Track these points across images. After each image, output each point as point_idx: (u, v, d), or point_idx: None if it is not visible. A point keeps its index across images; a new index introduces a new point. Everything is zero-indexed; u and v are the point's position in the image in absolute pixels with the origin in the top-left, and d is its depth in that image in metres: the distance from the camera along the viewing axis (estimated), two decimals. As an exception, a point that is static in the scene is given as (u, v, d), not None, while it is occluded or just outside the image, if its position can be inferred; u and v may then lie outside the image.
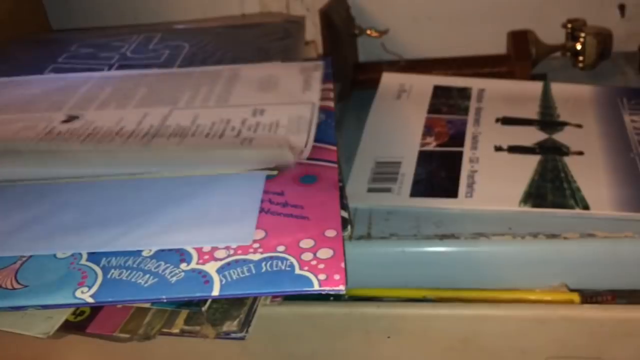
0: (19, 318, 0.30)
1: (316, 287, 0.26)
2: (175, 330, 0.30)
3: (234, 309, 0.30)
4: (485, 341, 0.40)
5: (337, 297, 0.42)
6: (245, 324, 0.30)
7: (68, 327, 0.30)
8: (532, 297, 0.40)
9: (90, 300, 0.27)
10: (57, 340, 0.32)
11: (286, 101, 0.42)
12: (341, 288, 0.26)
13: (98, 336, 0.30)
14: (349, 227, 0.32)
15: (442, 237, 0.41)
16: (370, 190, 0.45)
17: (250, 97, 0.43)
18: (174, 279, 0.28)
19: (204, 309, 0.30)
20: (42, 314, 0.29)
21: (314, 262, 0.28)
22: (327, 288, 0.26)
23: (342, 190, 0.33)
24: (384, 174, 0.46)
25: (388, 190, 0.44)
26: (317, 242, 0.29)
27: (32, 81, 0.48)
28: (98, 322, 0.30)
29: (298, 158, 0.35)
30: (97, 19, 0.66)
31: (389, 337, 0.40)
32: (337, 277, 0.27)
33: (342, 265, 0.27)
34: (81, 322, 0.30)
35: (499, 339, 0.39)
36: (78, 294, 0.27)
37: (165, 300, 0.27)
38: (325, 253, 0.28)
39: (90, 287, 0.27)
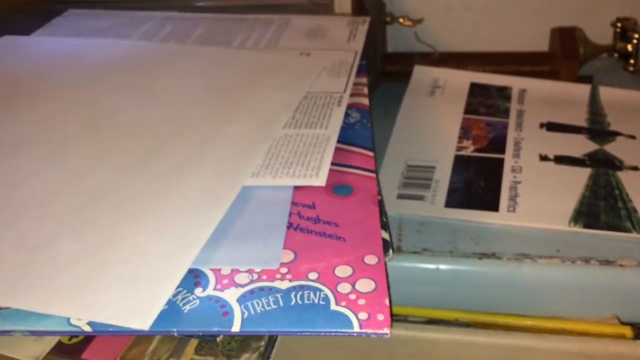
0: (5, 338, 0.26)
1: (356, 328, 0.22)
2: (185, 362, 0.26)
3: (252, 339, 0.26)
4: (523, 374, 0.36)
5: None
6: (265, 356, 0.26)
7: (61, 351, 0.26)
8: (579, 328, 0.36)
9: (88, 328, 0.23)
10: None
11: (331, 47, 0.43)
12: (386, 331, 0.22)
13: (95, 362, 0.26)
14: (390, 251, 0.28)
15: (482, 256, 0.37)
16: (400, 196, 0.41)
17: (298, 42, 0.45)
18: (187, 307, 0.23)
19: (218, 338, 0.26)
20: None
21: (352, 297, 0.23)
22: (369, 331, 0.22)
23: (381, 205, 0.29)
24: (416, 179, 0.42)
25: (420, 197, 0.40)
26: (355, 271, 0.25)
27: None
28: (95, 347, 0.26)
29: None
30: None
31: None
32: (380, 317, 0.23)
33: (387, 302, 0.23)
34: (75, 345, 0.26)
35: (539, 374, 0.36)
36: (74, 320, 0.23)
37: (175, 334, 0.23)
38: (365, 285, 0.24)
39: (88, 313, 0.23)
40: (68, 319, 0.23)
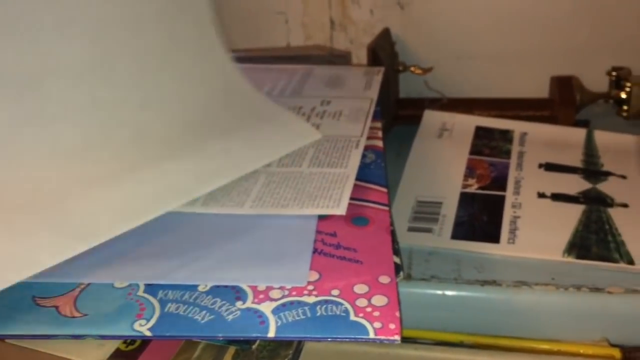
0: (71, 343, 0.30)
1: (372, 335, 0.27)
2: (224, 367, 0.31)
3: (282, 348, 0.30)
4: (522, 391, 0.39)
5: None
6: (293, 363, 0.30)
7: (119, 356, 0.30)
8: (572, 349, 0.40)
9: (148, 333, 0.28)
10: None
11: (349, 95, 0.48)
12: (396, 338, 0.26)
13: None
14: (401, 273, 0.32)
15: (484, 283, 0.40)
16: (410, 229, 0.45)
17: (320, 90, 0.49)
18: (230, 317, 0.28)
19: (254, 347, 0.30)
20: (94, 341, 0.30)
21: (368, 309, 0.28)
22: (383, 337, 0.26)
23: (393, 234, 0.33)
24: (425, 214, 0.46)
25: (429, 230, 0.44)
26: (371, 288, 0.29)
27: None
28: (149, 353, 0.30)
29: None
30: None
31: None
32: (392, 326, 0.27)
33: (397, 314, 0.28)
34: (132, 351, 0.30)
35: (536, 391, 0.39)
36: (136, 326, 0.28)
37: (221, 339, 0.27)
38: (380, 300, 0.28)
39: (148, 320, 0.28)
40: (132, 324, 0.28)
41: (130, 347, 0.31)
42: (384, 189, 0.37)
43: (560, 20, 0.60)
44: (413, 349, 0.40)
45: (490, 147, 0.53)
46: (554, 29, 0.60)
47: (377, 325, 0.27)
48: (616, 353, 0.39)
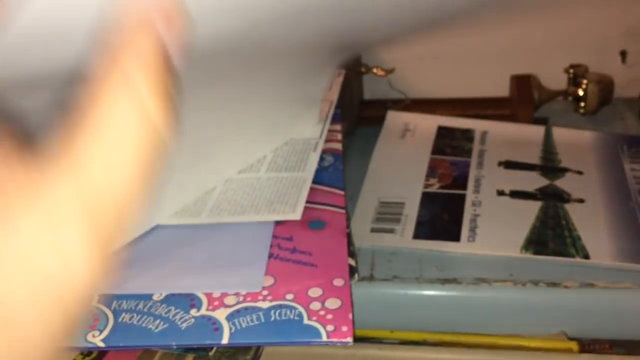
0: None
1: (324, 338, 0.27)
2: (182, 374, 0.31)
3: (240, 354, 0.31)
4: (484, 387, 0.40)
5: (339, 337, 0.42)
6: (251, 368, 0.31)
7: (76, 367, 0.30)
8: (532, 344, 0.41)
9: (102, 344, 0.28)
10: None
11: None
12: (349, 340, 0.27)
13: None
14: (355, 275, 0.33)
15: (444, 282, 0.41)
16: (373, 230, 0.45)
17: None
18: (184, 324, 0.28)
19: (210, 353, 0.30)
20: (50, 353, 0.30)
21: (322, 312, 0.28)
22: (335, 340, 0.27)
23: (349, 236, 0.34)
24: (388, 214, 0.47)
25: (391, 231, 0.45)
26: (325, 291, 0.29)
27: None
28: (106, 362, 0.30)
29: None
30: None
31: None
32: (344, 328, 0.27)
33: (350, 316, 0.28)
34: (89, 362, 0.30)
35: (498, 385, 0.40)
36: (89, 337, 0.28)
37: (175, 347, 0.27)
38: (333, 303, 0.29)
39: (101, 331, 0.28)
40: (85, 335, 0.28)
41: (87, 359, 0.30)
42: (341, 192, 0.37)
43: (517, 20, 0.61)
44: (377, 348, 0.41)
45: (452, 146, 0.54)
46: (512, 29, 0.61)
47: (330, 328, 0.27)
48: (573, 346, 0.40)
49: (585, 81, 0.57)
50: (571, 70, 0.59)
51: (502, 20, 0.58)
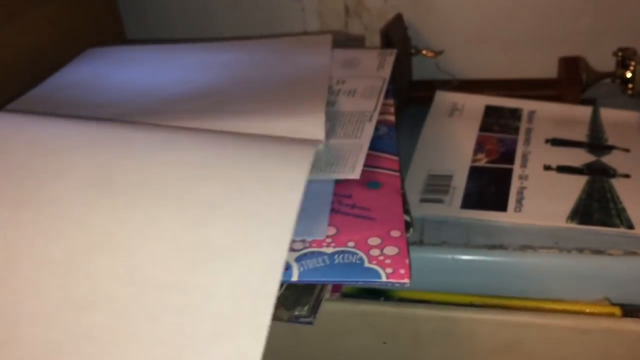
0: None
1: (384, 279, 0.30)
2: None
3: (304, 296, 0.34)
4: (527, 347, 0.42)
5: (388, 298, 0.45)
6: (314, 311, 0.33)
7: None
8: (575, 308, 0.42)
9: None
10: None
11: (363, 75, 0.51)
12: (406, 281, 0.29)
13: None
14: (411, 229, 0.35)
15: (491, 248, 0.43)
16: (422, 200, 0.48)
17: (335, 71, 0.51)
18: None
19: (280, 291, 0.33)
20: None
21: (381, 258, 0.31)
22: (394, 280, 0.29)
23: (404, 196, 0.36)
24: (436, 186, 0.49)
25: (440, 201, 0.47)
26: (383, 240, 0.32)
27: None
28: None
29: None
30: (169, 30, 0.71)
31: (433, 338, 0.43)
32: (402, 271, 0.30)
33: (407, 261, 0.31)
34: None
35: (541, 346, 0.42)
36: None
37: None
38: (391, 250, 0.31)
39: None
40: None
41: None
42: (395, 157, 0.40)
43: (567, 4, 0.62)
44: (425, 308, 0.43)
45: (499, 124, 0.56)
46: (562, 12, 0.62)
47: (389, 270, 0.30)
48: (616, 311, 0.41)
49: (633, 63, 0.58)
50: (620, 53, 0.60)
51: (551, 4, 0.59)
